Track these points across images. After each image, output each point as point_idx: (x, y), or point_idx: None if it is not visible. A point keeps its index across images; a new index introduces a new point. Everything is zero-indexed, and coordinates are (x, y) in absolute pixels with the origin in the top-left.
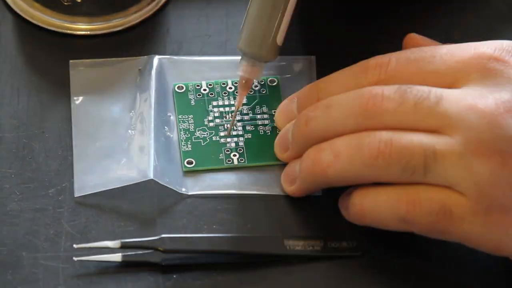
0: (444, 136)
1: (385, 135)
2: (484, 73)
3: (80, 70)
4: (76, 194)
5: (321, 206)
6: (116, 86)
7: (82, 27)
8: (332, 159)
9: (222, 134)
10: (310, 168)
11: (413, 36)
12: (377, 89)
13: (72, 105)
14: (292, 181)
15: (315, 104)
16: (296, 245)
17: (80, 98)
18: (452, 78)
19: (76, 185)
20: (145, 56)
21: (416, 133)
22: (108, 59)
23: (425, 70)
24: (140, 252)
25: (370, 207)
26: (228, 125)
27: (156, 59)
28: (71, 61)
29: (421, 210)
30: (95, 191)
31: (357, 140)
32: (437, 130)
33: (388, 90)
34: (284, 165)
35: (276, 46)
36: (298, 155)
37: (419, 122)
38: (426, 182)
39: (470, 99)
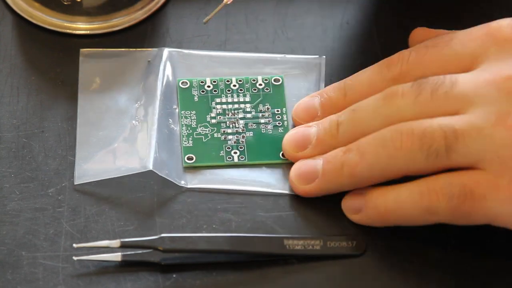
0: (464, 115)
1: (406, 125)
2: (502, 44)
3: (90, 59)
4: (76, 182)
5: (321, 206)
6: (124, 76)
7: (81, 26)
8: (359, 159)
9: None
10: (338, 170)
11: (420, 29)
12: (397, 87)
13: (79, 93)
14: (309, 180)
15: (342, 111)
16: (296, 245)
17: (88, 86)
18: (471, 57)
19: (76, 173)
20: (155, 49)
21: (436, 118)
22: (118, 49)
23: (444, 55)
24: (140, 251)
25: (394, 206)
26: None
27: (166, 52)
28: (81, 49)
29: (442, 196)
30: (95, 180)
31: (380, 136)
32: (457, 111)
33: (405, 86)
34: (286, 164)
35: None
36: (315, 155)
37: (438, 108)
38: (451, 165)
39: (487, 75)
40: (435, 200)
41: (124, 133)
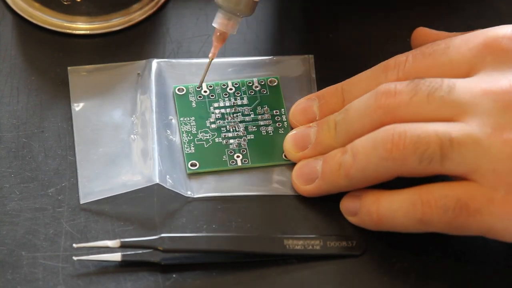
0: (459, 123)
1: (398, 127)
2: (499, 54)
3: (79, 76)
4: (82, 201)
5: (321, 206)
6: (116, 91)
7: (81, 26)
8: (352, 160)
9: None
10: (335, 171)
11: (421, 30)
12: (390, 85)
13: (73, 112)
14: (309, 180)
15: (340, 111)
16: (296, 245)
17: (81, 104)
18: (467, 66)
19: (81, 192)
20: (144, 60)
21: (431, 123)
22: (107, 64)
23: (440, 62)
24: (140, 251)
25: (387, 214)
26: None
27: (154, 63)
28: (69, 67)
29: (436, 209)
30: (101, 197)
31: (372, 137)
32: (452, 118)
33: (401, 85)
34: (289, 165)
35: (252, 2)
36: (315, 155)
37: (433, 112)
38: (444, 172)
39: (484, 84)
40: (428, 212)
41: (124, 148)
